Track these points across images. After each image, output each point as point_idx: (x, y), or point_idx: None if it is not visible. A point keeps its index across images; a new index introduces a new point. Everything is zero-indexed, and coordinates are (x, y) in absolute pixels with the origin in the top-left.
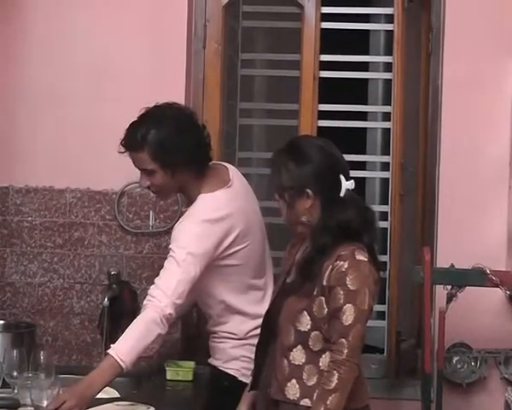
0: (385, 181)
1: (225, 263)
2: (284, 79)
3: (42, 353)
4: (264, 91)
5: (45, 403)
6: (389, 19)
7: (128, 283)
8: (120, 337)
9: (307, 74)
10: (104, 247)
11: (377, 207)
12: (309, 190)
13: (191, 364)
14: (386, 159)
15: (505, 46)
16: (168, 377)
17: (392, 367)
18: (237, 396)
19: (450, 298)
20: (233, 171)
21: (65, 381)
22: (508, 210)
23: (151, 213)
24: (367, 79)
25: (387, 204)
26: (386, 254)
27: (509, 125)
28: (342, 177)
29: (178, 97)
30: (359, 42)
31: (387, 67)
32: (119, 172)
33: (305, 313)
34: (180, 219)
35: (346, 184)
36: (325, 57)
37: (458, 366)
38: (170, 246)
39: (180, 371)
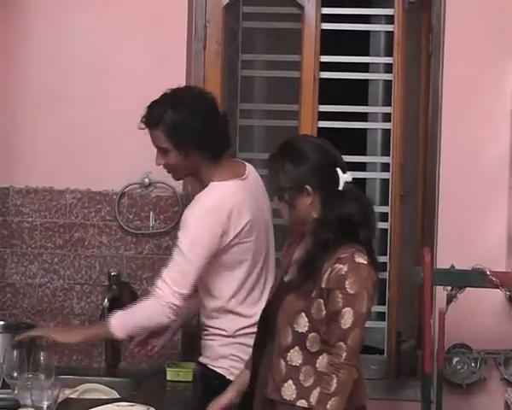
0: (385, 182)
1: (227, 257)
2: (284, 79)
3: (42, 353)
4: (265, 92)
5: (45, 404)
6: (389, 20)
7: (128, 283)
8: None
9: (307, 75)
10: (104, 248)
11: (377, 208)
12: (308, 187)
13: (191, 364)
14: (386, 160)
15: (505, 47)
16: (168, 377)
17: (392, 368)
18: None
19: (450, 299)
20: (250, 169)
21: (65, 382)
22: (508, 211)
23: (151, 213)
24: (367, 80)
25: (387, 205)
26: (386, 254)
27: (508, 126)
28: (339, 170)
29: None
30: (359, 43)
31: (388, 67)
32: (119, 172)
33: (303, 314)
34: (189, 205)
35: (344, 177)
36: (325, 58)
37: (458, 367)
38: (178, 233)
39: (180, 372)
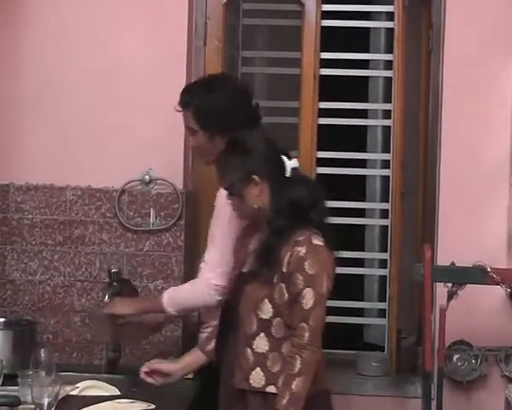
0: (385, 179)
1: None
2: (285, 76)
3: (42, 350)
4: (265, 89)
5: (46, 401)
6: (390, 16)
7: (128, 280)
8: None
9: (308, 72)
10: (105, 245)
11: (378, 205)
12: (255, 176)
13: None
14: (386, 157)
15: (505, 43)
16: None
17: (392, 365)
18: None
19: (450, 296)
20: None
21: (65, 379)
22: (508, 208)
23: (152, 210)
24: (367, 77)
25: (388, 202)
26: (386, 251)
27: (509, 123)
28: (285, 157)
29: (179, 94)
30: (360, 40)
31: (388, 64)
32: (119, 169)
33: (267, 300)
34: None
35: (290, 163)
36: (326, 55)
37: (459, 364)
38: (214, 215)
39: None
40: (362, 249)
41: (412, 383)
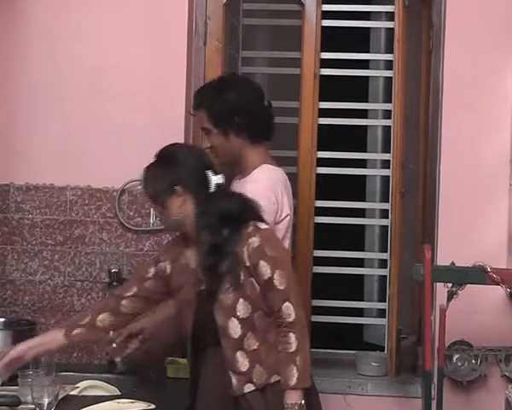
0: (385, 179)
1: None
2: (285, 76)
3: None
4: (265, 89)
5: (46, 401)
6: (390, 16)
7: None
8: None
9: (308, 72)
10: (105, 244)
11: (378, 205)
12: (178, 187)
13: None
14: (386, 156)
15: (506, 43)
16: (169, 374)
17: (392, 365)
18: None
19: (450, 296)
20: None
21: (65, 379)
22: (508, 208)
23: (152, 210)
24: (368, 77)
25: (388, 202)
26: (386, 251)
27: (509, 123)
28: (210, 172)
29: (179, 95)
30: (360, 40)
31: (388, 64)
32: (119, 169)
33: (242, 300)
34: (244, 182)
35: (215, 179)
36: (326, 55)
37: (459, 364)
38: None
39: (181, 369)
40: (362, 249)
41: (412, 383)
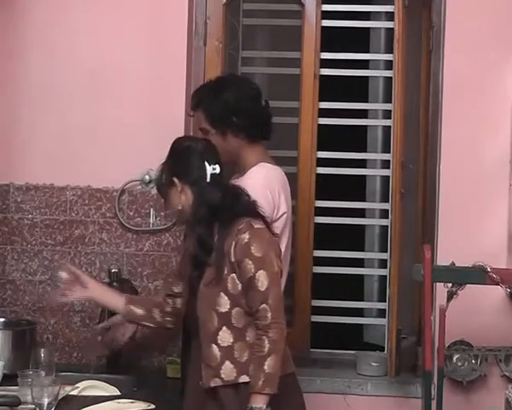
0: (385, 179)
1: None
2: (285, 76)
3: (42, 350)
4: (265, 89)
5: (46, 401)
6: (390, 16)
7: (128, 280)
8: None
9: (308, 72)
10: (105, 244)
11: (378, 205)
12: (175, 179)
13: None
14: (386, 157)
15: (505, 43)
16: (169, 374)
17: (392, 365)
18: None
19: (450, 296)
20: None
21: (65, 379)
22: (508, 208)
23: (152, 210)
24: (367, 77)
25: (388, 202)
26: (386, 251)
27: (509, 123)
28: (207, 163)
29: (179, 95)
30: (360, 40)
31: (388, 64)
32: (119, 169)
33: (222, 294)
34: (242, 180)
35: (210, 169)
36: (326, 55)
37: (459, 364)
38: None
39: (180, 370)
40: (362, 249)
41: (412, 383)
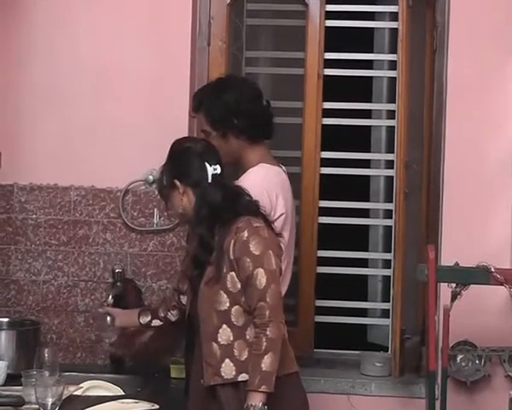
0: (389, 179)
1: None
2: (288, 76)
3: (46, 350)
4: (269, 89)
5: (50, 401)
6: (394, 17)
7: (132, 280)
8: None
9: (311, 72)
10: (108, 245)
11: (382, 206)
12: (176, 181)
13: None
14: (390, 157)
15: (509, 43)
16: (172, 374)
17: (396, 365)
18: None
19: (454, 296)
20: (285, 171)
21: (69, 379)
22: None
23: (155, 210)
24: (371, 77)
25: (392, 202)
26: (390, 252)
27: None
28: (207, 164)
29: (182, 95)
30: (364, 40)
31: (392, 64)
32: (123, 169)
33: (221, 292)
34: (241, 179)
35: (211, 170)
36: (329, 55)
37: (463, 364)
38: None
39: (184, 369)
40: (365, 250)
41: (416, 383)
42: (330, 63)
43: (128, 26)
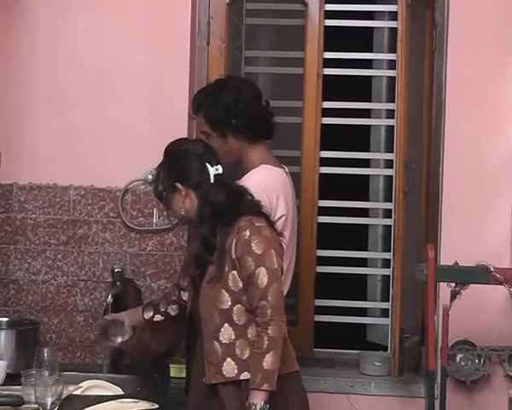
0: (389, 178)
1: None
2: (288, 76)
3: (46, 350)
4: (268, 89)
5: (49, 400)
6: (393, 16)
7: (132, 280)
8: None
9: (311, 72)
10: (108, 244)
11: (381, 205)
12: (178, 184)
13: None
14: (390, 156)
15: (509, 42)
16: (172, 374)
17: (395, 365)
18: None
19: (453, 295)
20: (286, 168)
21: (69, 378)
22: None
23: (155, 210)
24: (371, 77)
25: (391, 202)
26: (389, 251)
27: None
28: (208, 165)
29: (182, 94)
30: (363, 39)
31: (391, 64)
32: (122, 169)
33: (223, 290)
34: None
35: (213, 170)
36: (329, 55)
37: (462, 364)
38: None
39: (184, 369)
40: (365, 249)
41: (415, 382)
42: (330, 63)
43: (127, 25)
